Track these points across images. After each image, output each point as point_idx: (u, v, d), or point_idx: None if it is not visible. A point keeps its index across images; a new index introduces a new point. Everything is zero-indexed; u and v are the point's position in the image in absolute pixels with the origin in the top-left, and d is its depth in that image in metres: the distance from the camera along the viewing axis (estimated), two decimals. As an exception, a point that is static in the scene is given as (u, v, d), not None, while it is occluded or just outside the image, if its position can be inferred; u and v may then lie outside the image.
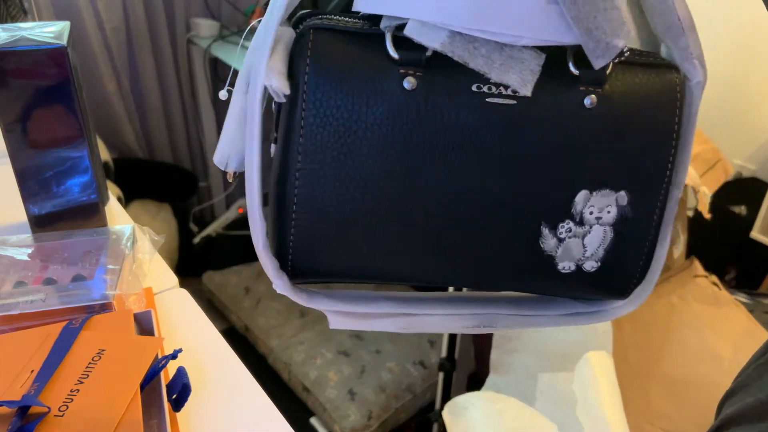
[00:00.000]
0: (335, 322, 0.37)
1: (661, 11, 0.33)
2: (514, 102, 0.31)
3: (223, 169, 0.35)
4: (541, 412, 0.99)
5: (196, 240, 2.10)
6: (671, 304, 1.18)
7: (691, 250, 1.30)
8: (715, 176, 1.39)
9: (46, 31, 0.61)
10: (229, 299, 1.94)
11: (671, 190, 0.35)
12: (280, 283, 0.34)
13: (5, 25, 0.62)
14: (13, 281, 0.57)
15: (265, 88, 0.31)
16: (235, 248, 2.11)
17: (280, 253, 0.34)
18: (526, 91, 0.31)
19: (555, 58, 0.32)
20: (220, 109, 2.09)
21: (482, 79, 0.31)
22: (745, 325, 1.16)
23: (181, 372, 0.50)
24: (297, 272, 0.34)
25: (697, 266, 1.24)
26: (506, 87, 0.31)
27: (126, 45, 1.84)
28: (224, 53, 1.81)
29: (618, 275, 0.36)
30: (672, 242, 1.21)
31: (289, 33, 0.32)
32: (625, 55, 0.33)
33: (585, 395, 0.93)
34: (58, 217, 0.67)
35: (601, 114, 0.32)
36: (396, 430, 1.62)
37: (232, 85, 0.34)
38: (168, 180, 2.04)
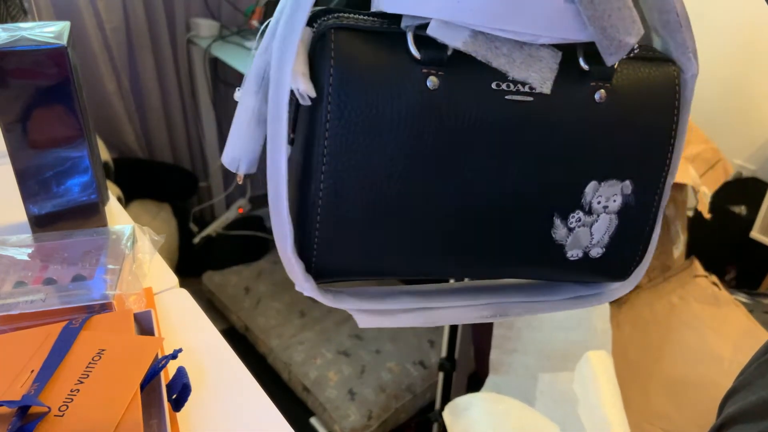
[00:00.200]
0: (362, 321, 0.37)
1: (660, 7, 0.35)
2: (531, 99, 0.32)
3: (233, 171, 0.35)
4: (541, 412, 0.99)
5: (196, 240, 2.10)
6: (671, 304, 1.18)
7: (691, 250, 1.30)
8: (715, 176, 1.39)
9: (46, 31, 0.61)
10: (229, 299, 1.94)
11: (668, 178, 0.37)
12: (308, 286, 0.34)
13: (5, 25, 0.62)
14: (13, 281, 0.57)
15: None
16: (235, 248, 2.12)
17: (303, 255, 0.34)
18: (546, 88, 0.32)
19: (565, 54, 0.33)
20: (220, 109, 2.09)
21: (501, 77, 0.32)
22: (745, 325, 1.16)
23: (181, 372, 0.50)
24: (320, 273, 0.35)
25: (697, 266, 1.24)
26: (524, 84, 0.32)
27: (126, 45, 1.84)
28: (224, 53, 1.81)
29: (620, 259, 0.38)
30: (672, 242, 1.21)
31: (308, 33, 0.32)
32: (635, 51, 0.34)
33: (586, 395, 0.93)
34: (58, 217, 0.67)
35: (610, 107, 0.34)
36: (396, 430, 1.62)
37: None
38: (168, 180, 2.04)
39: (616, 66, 0.34)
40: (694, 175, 1.21)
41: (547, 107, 0.33)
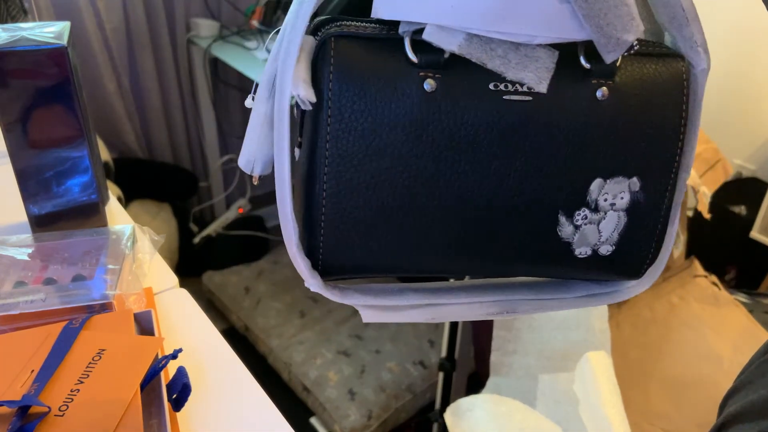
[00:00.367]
0: (367, 316, 0.38)
1: (665, 2, 0.34)
2: (530, 98, 0.32)
3: (248, 173, 0.35)
4: (542, 413, 0.99)
5: (196, 240, 2.10)
6: (671, 304, 1.18)
7: (691, 250, 1.30)
8: (715, 176, 1.39)
9: (46, 31, 0.61)
10: (229, 299, 1.94)
11: (680, 174, 0.36)
12: (314, 282, 0.35)
13: (5, 25, 0.62)
14: (13, 281, 0.57)
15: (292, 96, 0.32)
16: (235, 248, 2.12)
17: (311, 253, 0.35)
18: (542, 88, 0.32)
19: (566, 53, 0.33)
20: (220, 109, 2.09)
21: (498, 77, 0.32)
22: (745, 325, 1.16)
23: (181, 372, 0.50)
24: (327, 270, 0.35)
25: (697, 266, 1.24)
26: (522, 84, 0.32)
27: (126, 45, 1.84)
28: (224, 53, 1.81)
29: (631, 257, 0.37)
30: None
31: (310, 41, 0.33)
32: (635, 48, 0.34)
33: (586, 395, 0.93)
34: (58, 217, 0.67)
35: (613, 104, 0.34)
36: (396, 430, 1.63)
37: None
38: (168, 180, 2.04)
39: (618, 63, 0.34)
40: (694, 175, 1.22)
41: (547, 106, 0.33)
